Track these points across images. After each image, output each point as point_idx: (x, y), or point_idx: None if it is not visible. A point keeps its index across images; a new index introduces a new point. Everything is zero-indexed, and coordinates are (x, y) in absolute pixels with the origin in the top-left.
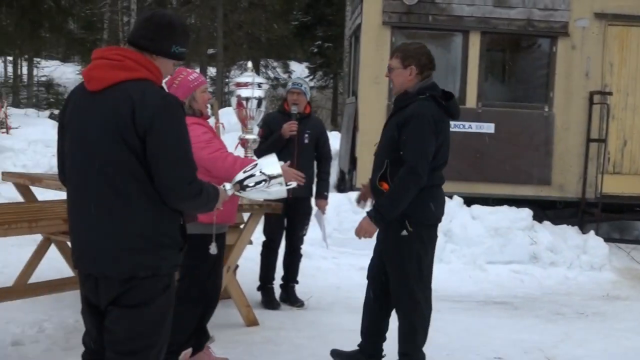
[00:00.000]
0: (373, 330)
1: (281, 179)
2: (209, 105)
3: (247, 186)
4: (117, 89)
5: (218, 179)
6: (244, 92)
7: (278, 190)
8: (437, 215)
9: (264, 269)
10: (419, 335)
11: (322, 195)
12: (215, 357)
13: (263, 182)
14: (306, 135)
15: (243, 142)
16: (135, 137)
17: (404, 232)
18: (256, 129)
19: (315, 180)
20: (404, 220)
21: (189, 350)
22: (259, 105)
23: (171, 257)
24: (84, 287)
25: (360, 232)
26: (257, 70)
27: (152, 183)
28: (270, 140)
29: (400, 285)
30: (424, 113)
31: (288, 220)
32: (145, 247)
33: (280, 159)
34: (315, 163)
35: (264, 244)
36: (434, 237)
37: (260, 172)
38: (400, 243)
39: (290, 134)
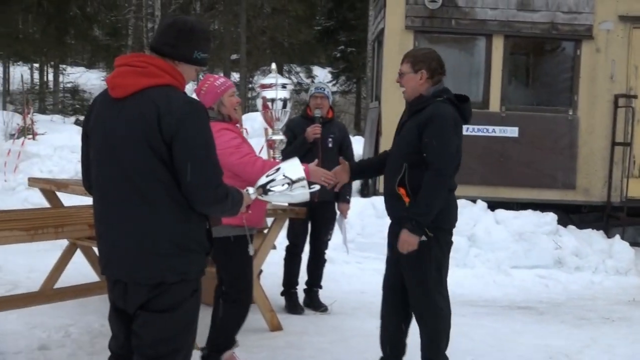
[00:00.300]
0: (395, 342)
1: (304, 182)
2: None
3: (270, 190)
4: (141, 95)
5: (246, 183)
6: (269, 94)
7: (301, 194)
8: (453, 220)
9: (287, 274)
10: (442, 341)
11: (344, 200)
12: None
13: (286, 186)
14: (330, 139)
15: (270, 144)
16: (161, 143)
17: (424, 238)
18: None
19: None
20: None
21: (232, 352)
22: (284, 106)
23: (199, 262)
24: (112, 292)
25: (404, 246)
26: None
27: (178, 188)
28: (294, 145)
29: (421, 291)
30: (444, 114)
31: (312, 225)
32: (173, 253)
33: (304, 163)
34: None
35: (287, 249)
36: (449, 242)
37: (283, 175)
38: (420, 249)
39: (314, 138)
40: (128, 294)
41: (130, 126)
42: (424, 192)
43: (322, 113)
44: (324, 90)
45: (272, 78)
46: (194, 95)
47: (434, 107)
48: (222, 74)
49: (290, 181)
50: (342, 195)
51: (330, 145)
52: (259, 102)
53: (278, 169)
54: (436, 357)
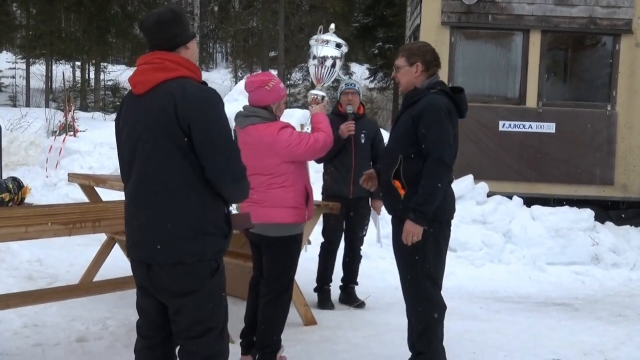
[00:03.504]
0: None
1: None
2: None
3: None
4: (159, 89)
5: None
6: (320, 50)
7: None
8: (450, 212)
9: (322, 271)
10: (435, 334)
11: (377, 196)
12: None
13: None
14: (362, 135)
15: (313, 100)
16: (179, 131)
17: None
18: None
19: None
20: None
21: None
22: (333, 65)
23: (215, 243)
24: (135, 273)
25: (408, 236)
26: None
27: (195, 176)
28: None
29: (413, 283)
30: (437, 104)
31: (347, 221)
32: (190, 235)
33: (338, 159)
34: (370, 163)
35: (323, 246)
36: (447, 234)
37: None
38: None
39: (349, 134)
40: (151, 274)
41: (149, 118)
42: (424, 181)
43: (353, 109)
44: (355, 86)
45: (328, 36)
46: (243, 90)
47: (428, 98)
48: (259, 71)
49: None
50: (376, 192)
51: (363, 141)
52: (311, 59)
53: None
54: (427, 351)
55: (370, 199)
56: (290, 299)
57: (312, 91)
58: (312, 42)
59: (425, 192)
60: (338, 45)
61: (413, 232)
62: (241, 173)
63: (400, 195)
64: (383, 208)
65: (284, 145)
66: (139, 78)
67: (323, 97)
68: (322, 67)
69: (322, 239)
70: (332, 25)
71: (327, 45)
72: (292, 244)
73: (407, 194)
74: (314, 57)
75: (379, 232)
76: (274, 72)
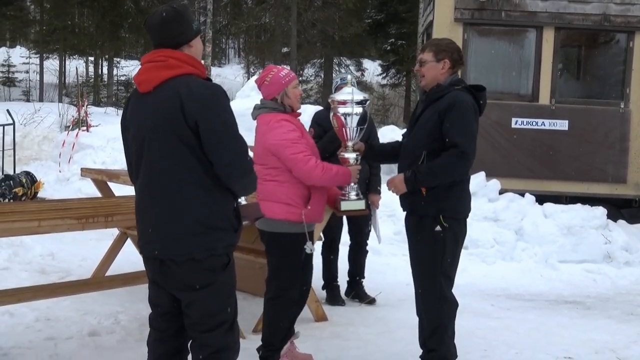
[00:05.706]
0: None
1: None
2: None
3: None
4: (164, 87)
5: (299, 179)
6: (343, 109)
7: None
8: (467, 210)
9: (327, 268)
10: (447, 332)
11: (375, 190)
12: (298, 352)
13: None
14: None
15: (344, 161)
16: (186, 128)
17: (438, 228)
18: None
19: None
20: (438, 215)
21: (289, 345)
22: (361, 123)
23: (226, 238)
24: (147, 269)
25: (391, 185)
26: (330, 68)
27: (203, 172)
28: (325, 140)
29: (429, 281)
30: (465, 100)
31: (349, 218)
32: (201, 231)
33: (335, 156)
34: None
35: (325, 244)
36: (464, 232)
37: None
38: (434, 239)
39: None
40: (164, 270)
41: (156, 116)
42: (440, 163)
43: None
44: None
45: (344, 94)
46: (256, 87)
47: (454, 94)
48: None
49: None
50: (373, 186)
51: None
52: (333, 119)
53: None
54: (439, 348)
55: (368, 194)
56: (292, 300)
57: (343, 154)
58: (330, 101)
59: (435, 169)
60: (361, 102)
61: (397, 187)
62: (248, 167)
63: (422, 191)
64: (381, 202)
65: (274, 138)
66: (144, 77)
67: (356, 160)
68: (347, 128)
69: (323, 238)
70: (348, 77)
71: (345, 106)
72: (285, 243)
73: (429, 191)
74: (336, 117)
75: (377, 227)
76: (286, 68)
